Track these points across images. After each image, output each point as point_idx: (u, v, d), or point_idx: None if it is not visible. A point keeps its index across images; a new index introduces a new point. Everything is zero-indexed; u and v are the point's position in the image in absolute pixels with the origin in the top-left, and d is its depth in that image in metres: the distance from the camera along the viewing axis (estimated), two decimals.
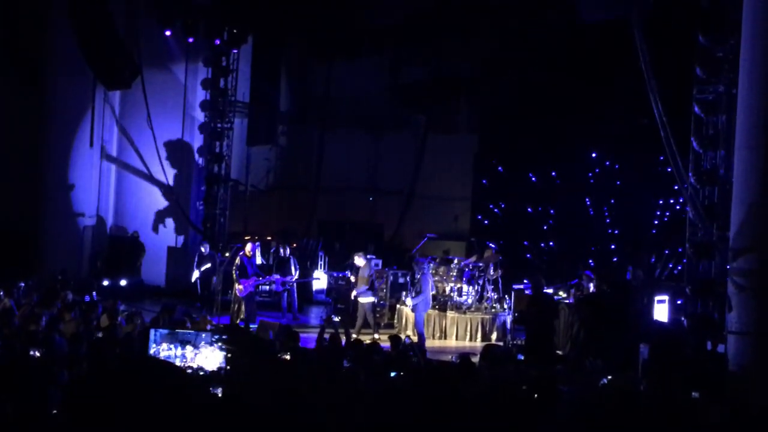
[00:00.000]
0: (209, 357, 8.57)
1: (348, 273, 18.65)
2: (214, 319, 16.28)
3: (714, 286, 15.50)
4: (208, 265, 20.24)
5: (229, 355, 8.12)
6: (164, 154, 23.18)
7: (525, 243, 23.34)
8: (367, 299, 17.57)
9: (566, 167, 22.97)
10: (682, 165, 15.63)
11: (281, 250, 20.41)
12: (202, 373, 8.39)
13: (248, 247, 18.54)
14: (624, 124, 21.14)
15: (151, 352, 8.64)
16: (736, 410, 7.99)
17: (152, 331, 8.89)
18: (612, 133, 21.76)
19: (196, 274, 20.54)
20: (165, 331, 8.87)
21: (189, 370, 8.30)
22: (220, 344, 8.43)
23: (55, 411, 5.43)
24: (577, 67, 21.42)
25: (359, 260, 17.86)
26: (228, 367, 8.11)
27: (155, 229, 23.63)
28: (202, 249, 20.73)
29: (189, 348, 8.65)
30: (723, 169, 15.54)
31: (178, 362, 8.42)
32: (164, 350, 8.66)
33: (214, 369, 8.43)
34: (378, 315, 18.55)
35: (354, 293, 17.71)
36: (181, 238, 23.67)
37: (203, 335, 8.75)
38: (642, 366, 12.97)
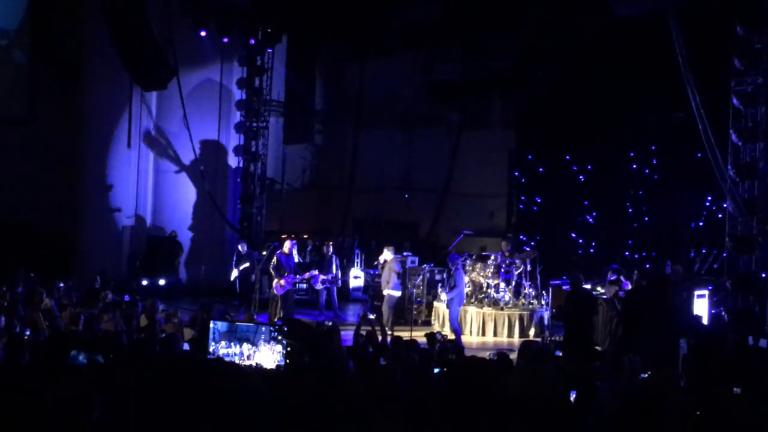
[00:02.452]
0: (267, 354, 8.59)
1: (378, 270, 18.69)
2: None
3: (755, 280, 15.34)
4: (247, 264, 20.33)
5: (288, 350, 8.15)
6: (201, 154, 23.36)
7: (562, 238, 23.19)
8: (394, 292, 17.66)
9: (603, 161, 22.77)
10: (721, 158, 15.48)
11: (325, 249, 20.47)
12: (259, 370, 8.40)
13: (287, 244, 18.57)
14: (661, 117, 20.94)
15: (211, 350, 8.69)
16: None
17: (211, 329, 8.90)
18: (649, 126, 21.56)
19: (234, 273, 20.64)
20: (224, 329, 8.88)
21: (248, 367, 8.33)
22: (280, 338, 8.45)
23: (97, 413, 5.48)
24: (612, 61, 21.25)
25: (388, 254, 17.93)
26: (287, 362, 8.14)
27: (193, 228, 23.82)
28: (240, 248, 20.81)
29: (247, 346, 8.68)
30: (763, 162, 15.37)
31: (236, 360, 8.47)
32: (223, 348, 8.70)
33: (272, 367, 8.46)
34: (415, 312, 18.60)
35: (389, 290, 17.73)
36: (218, 237, 23.81)
37: (263, 331, 8.74)
38: (682, 362, 12.85)
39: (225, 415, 3.16)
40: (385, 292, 17.73)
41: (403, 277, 18.60)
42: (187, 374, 3.27)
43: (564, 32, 22.05)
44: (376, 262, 18.75)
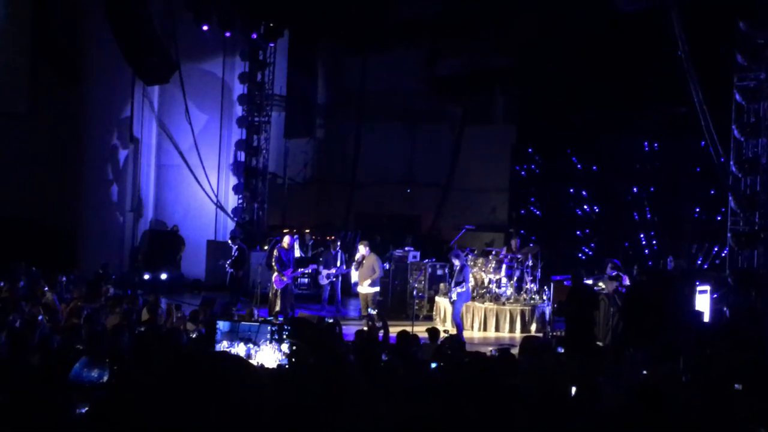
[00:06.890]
0: (269, 354, 8.58)
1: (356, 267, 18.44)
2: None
3: (756, 276, 15.33)
4: (229, 261, 19.91)
5: (293, 348, 8.13)
6: (202, 148, 23.34)
7: (563, 233, 23.18)
8: (373, 289, 17.55)
9: (605, 156, 22.78)
10: (723, 153, 15.47)
11: (331, 245, 20.41)
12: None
13: (286, 239, 18.53)
14: (664, 112, 20.93)
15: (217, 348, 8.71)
16: None
17: (218, 328, 8.92)
18: (652, 122, 21.56)
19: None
20: (226, 329, 8.89)
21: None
22: (284, 337, 8.44)
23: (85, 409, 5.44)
24: (615, 56, 21.21)
25: (363, 249, 17.85)
26: (291, 360, 8.12)
27: (194, 222, 23.81)
28: (230, 243, 20.33)
29: (249, 345, 8.67)
30: (765, 158, 15.35)
31: None
32: (224, 347, 8.70)
33: (274, 366, 8.44)
34: (417, 307, 18.54)
35: (364, 285, 17.62)
36: (220, 232, 23.81)
37: (265, 331, 8.74)
38: (684, 357, 12.84)
39: (229, 409, 3.16)
40: (366, 290, 17.58)
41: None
42: (193, 369, 3.27)
43: (566, 27, 22.02)
44: (354, 260, 18.51)
